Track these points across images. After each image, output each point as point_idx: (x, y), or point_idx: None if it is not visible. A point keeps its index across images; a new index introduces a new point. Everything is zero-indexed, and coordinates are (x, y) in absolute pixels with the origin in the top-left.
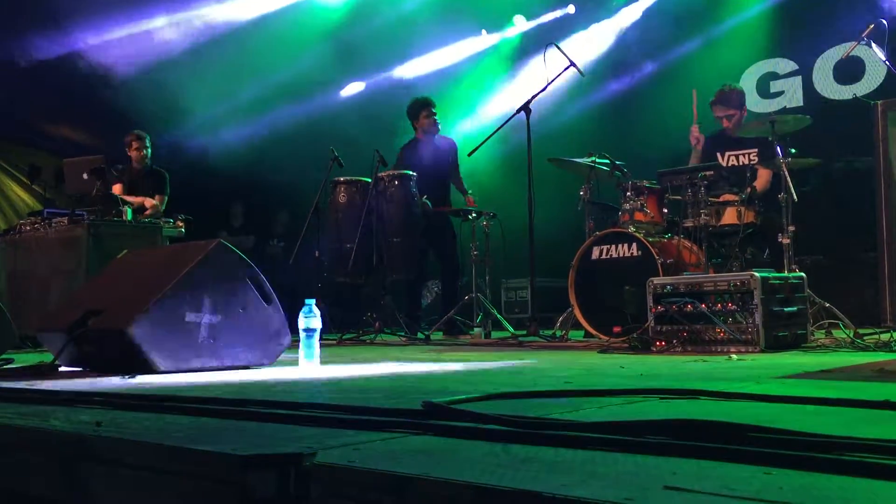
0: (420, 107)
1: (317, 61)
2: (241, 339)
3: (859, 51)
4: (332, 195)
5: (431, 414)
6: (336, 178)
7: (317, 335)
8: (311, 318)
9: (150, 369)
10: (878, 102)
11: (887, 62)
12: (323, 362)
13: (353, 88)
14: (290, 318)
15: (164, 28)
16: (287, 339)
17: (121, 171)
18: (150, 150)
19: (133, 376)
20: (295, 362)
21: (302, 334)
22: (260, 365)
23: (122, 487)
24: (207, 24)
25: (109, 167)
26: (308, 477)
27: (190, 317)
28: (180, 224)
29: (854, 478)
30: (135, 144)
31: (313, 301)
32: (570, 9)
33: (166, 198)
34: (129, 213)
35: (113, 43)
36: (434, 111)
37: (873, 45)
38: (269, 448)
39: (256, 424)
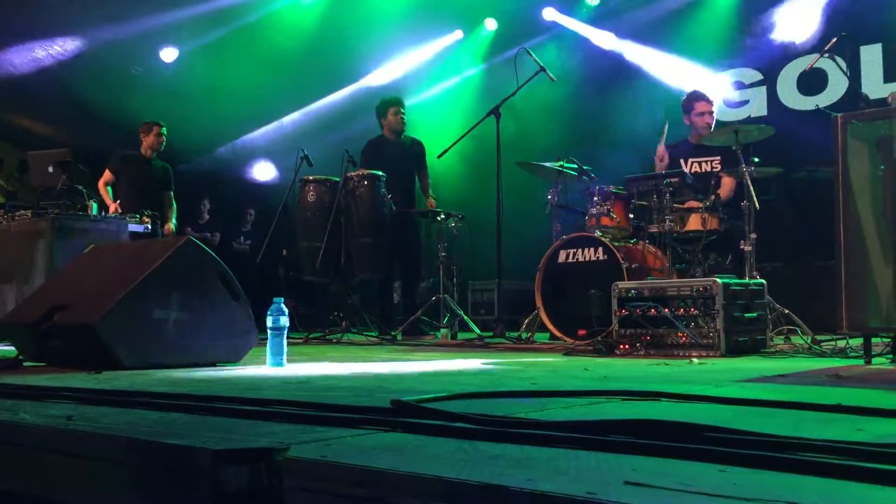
0: (389, 104)
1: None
2: (208, 336)
3: (823, 63)
4: (300, 194)
5: (400, 412)
6: (305, 177)
7: (284, 334)
8: (279, 317)
9: (116, 365)
10: (838, 115)
11: (847, 74)
12: (290, 361)
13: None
14: (258, 317)
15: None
16: (255, 337)
17: (121, 159)
18: None
19: (100, 372)
20: (262, 360)
21: (270, 332)
22: (227, 362)
23: (93, 481)
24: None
25: (76, 161)
26: (280, 471)
27: (158, 313)
28: (146, 220)
29: (803, 476)
30: (156, 130)
31: (281, 300)
32: (546, 13)
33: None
34: (94, 208)
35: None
36: (403, 110)
37: (836, 57)
38: (241, 443)
39: (227, 420)
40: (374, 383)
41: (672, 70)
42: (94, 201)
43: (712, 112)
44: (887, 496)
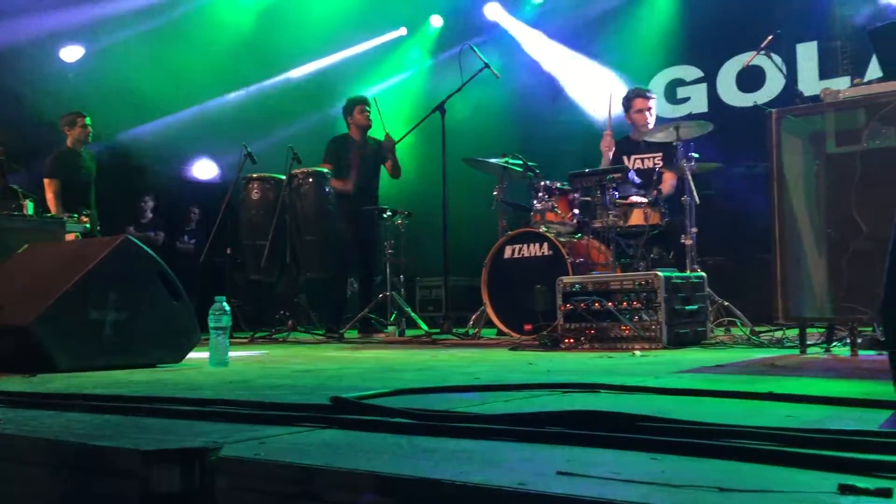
0: (356, 102)
1: (230, 57)
2: (148, 336)
3: (761, 61)
4: (244, 192)
5: (339, 409)
6: (249, 175)
7: (227, 333)
8: (220, 316)
9: (52, 367)
10: (773, 111)
11: (784, 71)
12: (233, 360)
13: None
14: (201, 316)
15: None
16: (197, 337)
17: (55, 161)
18: None
19: (35, 375)
20: (204, 360)
21: (211, 332)
22: (168, 362)
23: (23, 485)
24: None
25: (9, 160)
26: (213, 471)
27: (95, 313)
28: (84, 219)
29: (731, 462)
30: (80, 121)
31: (223, 298)
32: (490, 9)
33: None
34: (30, 207)
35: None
36: (369, 108)
37: (772, 55)
38: (174, 443)
39: (162, 421)
40: (316, 381)
41: (615, 66)
42: (31, 200)
43: (650, 108)
44: (810, 479)
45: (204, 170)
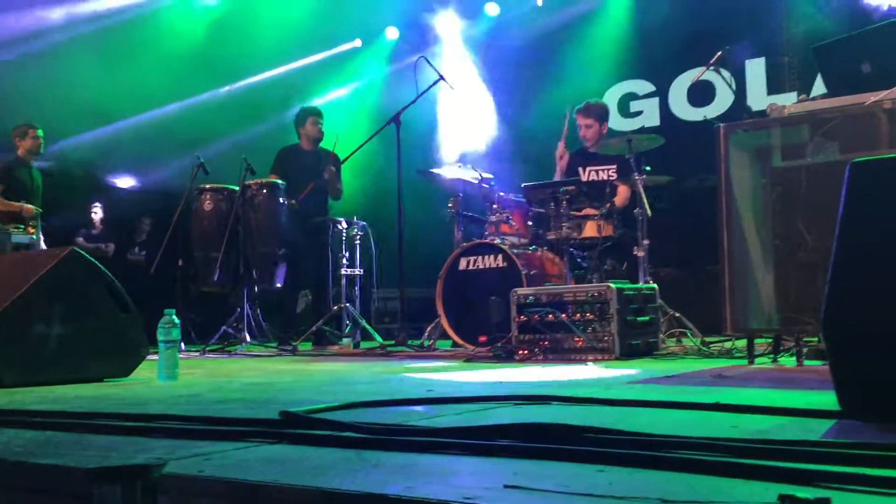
0: (308, 114)
1: (182, 64)
2: (95, 350)
3: (711, 76)
4: (197, 203)
5: (288, 423)
6: (201, 186)
7: (176, 346)
8: (170, 329)
9: None
10: (722, 125)
11: (733, 87)
12: (183, 374)
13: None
14: (152, 329)
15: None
16: (145, 351)
17: (4, 170)
18: None
19: None
20: (153, 374)
21: (161, 345)
22: (116, 377)
23: None
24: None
25: None
26: (156, 488)
27: (39, 327)
28: (31, 230)
29: (676, 473)
30: (31, 132)
31: (173, 311)
32: (441, 20)
33: None
34: None
35: None
36: (321, 120)
37: (722, 70)
38: (116, 460)
39: (105, 437)
40: (267, 395)
41: (570, 79)
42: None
43: (589, 125)
44: (752, 490)
45: (153, 179)
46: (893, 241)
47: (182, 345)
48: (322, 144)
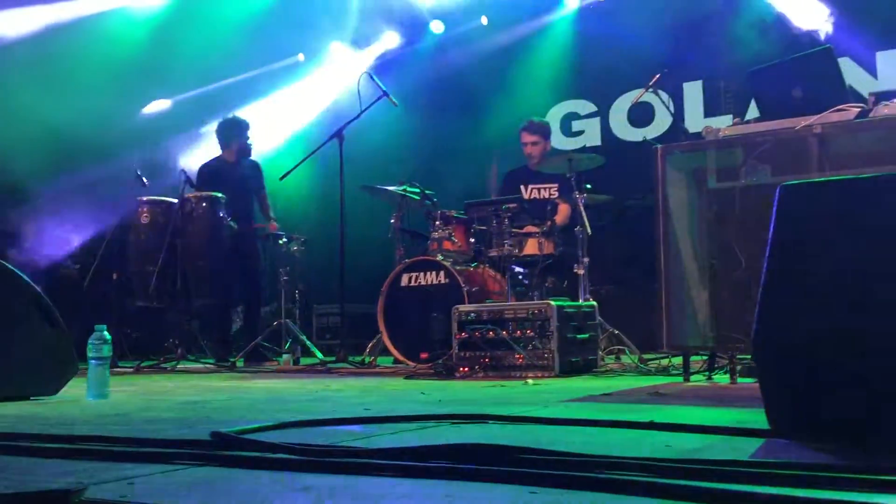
0: (235, 126)
1: (121, 75)
2: (21, 366)
3: (650, 98)
4: (133, 215)
5: (219, 444)
6: (139, 198)
7: (107, 364)
8: (100, 346)
9: None
10: (659, 146)
11: (671, 109)
12: (114, 392)
13: (157, 106)
14: (84, 345)
15: None
16: (75, 368)
17: None
18: None
19: None
20: (82, 393)
21: (90, 362)
22: (43, 395)
23: None
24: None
25: None
26: None
27: None
28: None
29: (607, 493)
30: None
31: (104, 327)
32: (390, 39)
33: None
34: None
35: None
36: (249, 133)
37: (660, 92)
38: (35, 485)
39: (26, 459)
40: (200, 413)
41: (514, 97)
42: None
43: (535, 143)
44: None
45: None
46: (820, 263)
47: (116, 361)
48: None
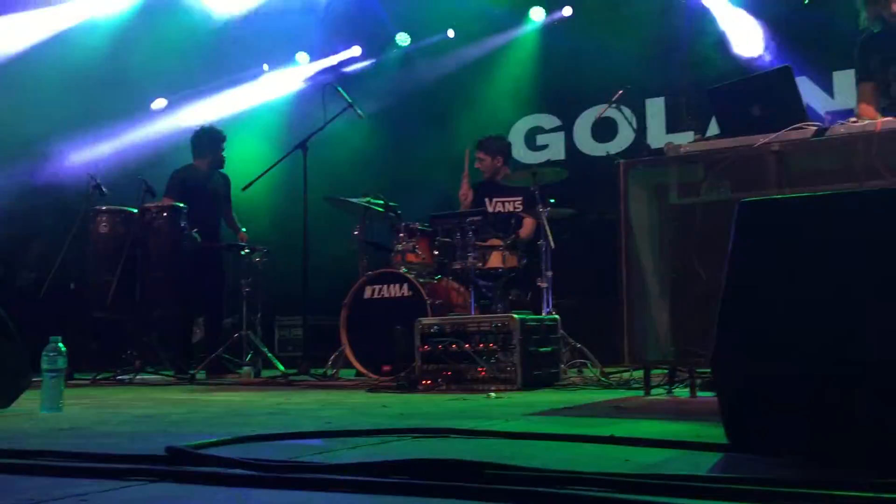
0: (211, 137)
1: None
2: None
3: (613, 113)
4: (92, 225)
5: (175, 459)
6: (97, 207)
7: (61, 376)
8: (55, 358)
9: None
10: (622, 162)
11: (633, 124)
12: (69, 405)
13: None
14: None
15: None
16: (28, 380)
17: None
18: None
19: None
20: (36, 406)
21: (44, 375)
22: None
23: None
24: None
25: None
26: None
27: None
28: None
29: None
30: None
31: (59, 339)
32: (356, 50)
33: None
34: None
35: None
36: (223, 146)
37: (623, 108)
38: None
39: None
40: (157, 427)
41: (479, 111)
42: None
43: (481, 160)
44: None
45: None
46: (778, 279)
47: (71, 373)
48: None
